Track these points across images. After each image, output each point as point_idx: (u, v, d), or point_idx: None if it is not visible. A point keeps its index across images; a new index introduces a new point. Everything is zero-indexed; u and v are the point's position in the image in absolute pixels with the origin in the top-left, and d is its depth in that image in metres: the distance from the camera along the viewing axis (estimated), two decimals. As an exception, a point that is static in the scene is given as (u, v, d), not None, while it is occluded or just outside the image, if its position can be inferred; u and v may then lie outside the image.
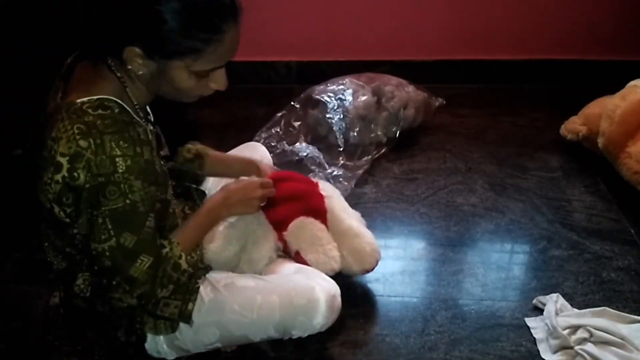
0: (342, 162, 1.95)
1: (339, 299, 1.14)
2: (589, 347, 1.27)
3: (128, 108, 0.91)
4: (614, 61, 2.40)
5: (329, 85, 2.11)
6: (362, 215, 1.56)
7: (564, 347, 1.28)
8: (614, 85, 1.83)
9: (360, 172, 1.93)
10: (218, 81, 0.95)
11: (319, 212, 1.36)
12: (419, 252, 1.63)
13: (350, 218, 1.43)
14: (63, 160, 0.85)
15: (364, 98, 2.03)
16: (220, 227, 1.21)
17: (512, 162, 2.00)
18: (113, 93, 0.90)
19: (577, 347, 1.27)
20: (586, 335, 1.29)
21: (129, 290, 0.93)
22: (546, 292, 1.43)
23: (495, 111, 2.33)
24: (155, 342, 1.08)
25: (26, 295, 1.49)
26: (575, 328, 1.31)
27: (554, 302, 1.38)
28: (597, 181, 1.87)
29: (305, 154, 1.97)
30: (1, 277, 1.58)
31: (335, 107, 2.03)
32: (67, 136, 0.84)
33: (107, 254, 0.89)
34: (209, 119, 2.35)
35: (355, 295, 1.46)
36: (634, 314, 1.36)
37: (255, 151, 1.53)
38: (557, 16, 2.35)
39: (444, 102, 2.17)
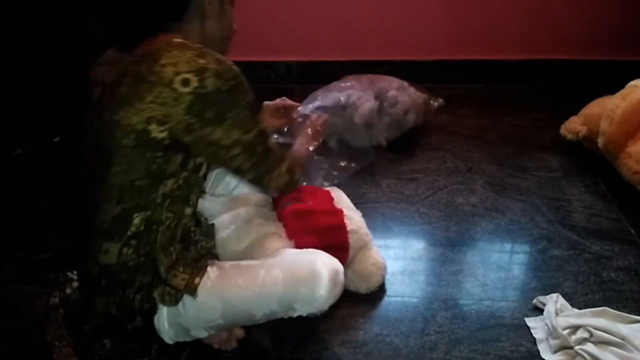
0: (341, 164, 1.95)
1: (341, 276, 1.15)
2: (589, 347, 1.27)
3: None
4: (614, 61, 2.40)
5: (331, 89, 2.09)
6: (362, 215, 1.56)
7: (564, 347, 1.28)
8: (614, 85, 1.83)
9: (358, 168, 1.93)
10: (232, 19, 1.17)
11: (341, 248, 1.40)
12: (419, 252, 1.63)
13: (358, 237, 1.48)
14: (189, 76, 0.96)
15: (367, 105, 2.02)
16: (233, 226, 1.32)
17: (512, 162, 2.00)
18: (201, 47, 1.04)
19: (577, 347, 1.27)
20: (586, 335, 1.29)
21: (280, 164, 1.12)
22: (546, 292, 1.43)
23: (495, 111, 2.33)
24: (159, 318, 1.09)
25: (26, 295, 1.49)
26: (575, 328, 1.31)
27: (554, 302, 1.38)
28: (597, 181, 1.87)
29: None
30: (1, 277, 1.58)
31: (338, 112, 2.02)
32: (184, 59, 0.97)
33: (256, 140, 1.06)
34: (209, 119, 2.35)
35: (355, 295, 1.46)
36: (634, 314, 1.36)
37: None
38: (557, 16, 2.35)
39: (443, 102, 2.17)
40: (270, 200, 1.48)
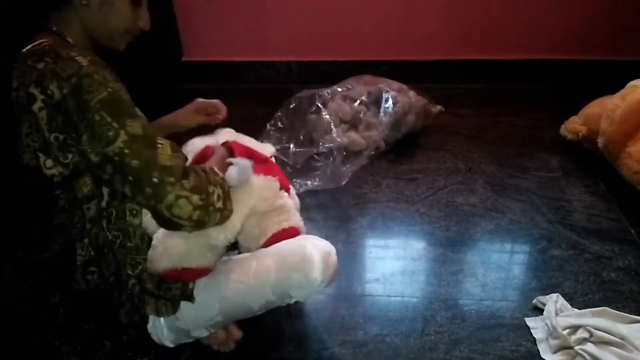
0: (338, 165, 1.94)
1: (334, 256, 1.12)
2: (589, 347, 1.27)
3: None
4: (614, 61, 2.40)
5: (334, 89, 2.09)
6: (362, 215, 1.56)
7: (564, 347, 1.28)
8: (614, 85, 1.83)
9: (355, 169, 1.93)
10: (143, 18, 1.04)
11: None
12: (419, 252, 1.63)
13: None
14: (32, 90, 0.87)
15: (368, 109, 2.03)
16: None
17: (512, 162, 2.00)
18: (51, 41, 0.94)
19: (577, 347, 1.27)
20: (586, 335, 1.29)
21: (176, 182, 0.89)
22: (546, 292, 1.43)
23: (495, 111, 2.33)
24: (156, 327, 1.09)
25: (26, 295, 1.49)
26: (575, 328, 1.31)
27: (554, 302, 1.38)
28: (597, 181, 1.87)
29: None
30: (1, 277, 1.58)
31: (338, 114, 2.02)
32: (25, 70, 0.88)
33: (127, 150, 0.87)
34: (209, 119, 2.35)
35: (355, 295, 1.46)
36: (634, 314, 1.36)
37: (230, 136, 1.50)
38: (557, 16, 2.35)
39: (443, 109, 2.16)
40: None
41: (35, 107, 0.87)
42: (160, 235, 1.06)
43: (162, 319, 1.09)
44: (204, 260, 1.08)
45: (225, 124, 1.47)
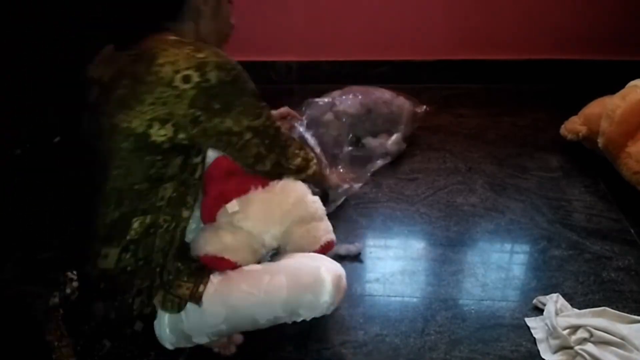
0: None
1: (344, 280, 1.16)
2: (589, 347, 1.27)
3: None
4: (614, 61, 2.40)
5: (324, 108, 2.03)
6: (362, 215, 1.56)
7: (564, 347, 1.28)
8: (614, 85, 1.83)
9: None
10: (229, 14, 1.21)
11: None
12: (419, 252, 1.63)
13: None
14: (189, 72, 0.98)
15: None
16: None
17: (512, 162, 2.00)
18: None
19: (577, 347, 1.27)
20: (586, 335, 1.29)
21: (293, 144, 1.23)
22: (546, 292, 1.43)
23: (495, 111, 2.33)
24: (159, 324, 1.09)
25: (26, 295, 1.49)
26: (575, 328, 1.31)
27: (554, 302, 1.38)
28: (597, 181, 1.87)
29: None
30: (1, 277, 1.58)
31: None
32: (182, 56, 0.98)
33: (268, 122, 1.13)
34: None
35: (355, 295, 1.46)
36: (634, 314, 1.36)
37: None
38: (557, 16, 2.35)
39: (427, 109, 2.13)
40: None
41: (187, 87, 0.98)
42: (209, 225, 1.16)
43: (166, 319, 1.09)
44: (245, 260, 1.15)
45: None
